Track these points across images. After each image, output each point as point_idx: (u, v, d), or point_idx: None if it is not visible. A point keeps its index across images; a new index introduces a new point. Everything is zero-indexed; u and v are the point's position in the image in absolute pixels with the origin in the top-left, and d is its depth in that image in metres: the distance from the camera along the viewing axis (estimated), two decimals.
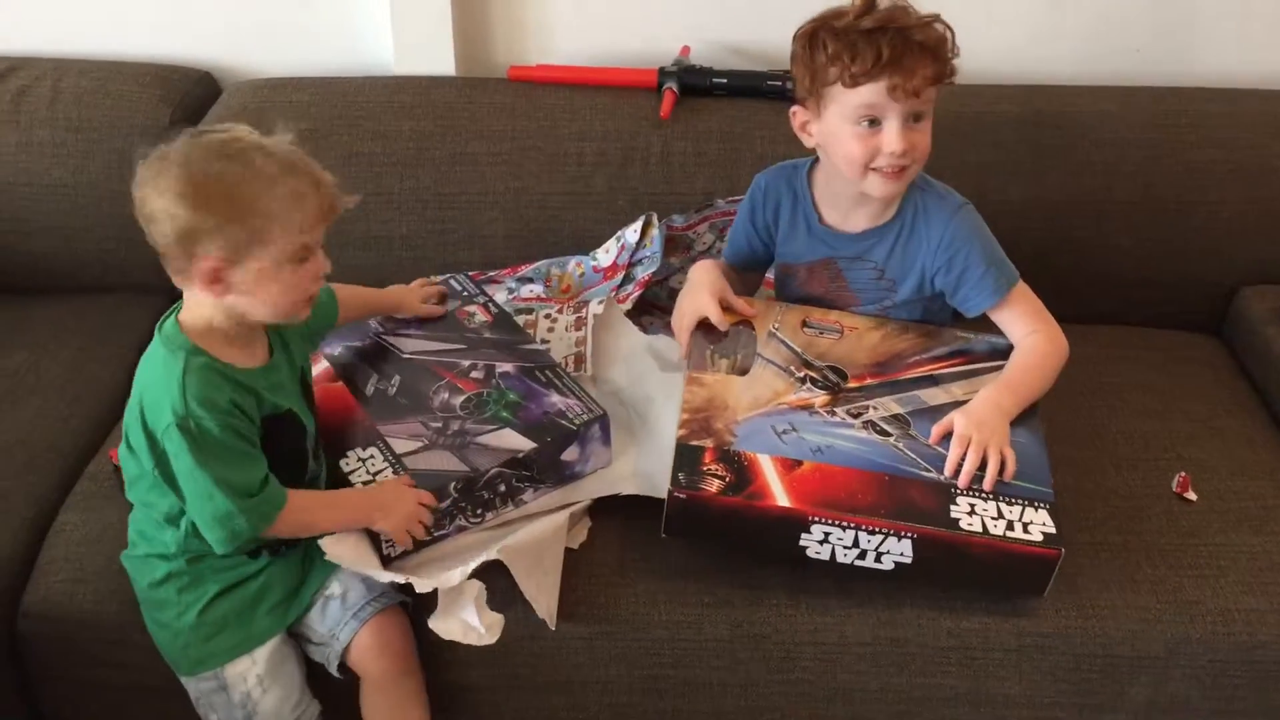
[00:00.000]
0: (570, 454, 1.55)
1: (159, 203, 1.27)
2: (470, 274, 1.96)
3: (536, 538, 1.44)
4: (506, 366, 1.63)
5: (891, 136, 1.52)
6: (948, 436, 1.50)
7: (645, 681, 1.52)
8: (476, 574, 1.43)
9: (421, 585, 1.40)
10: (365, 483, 1.46)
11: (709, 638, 1.50)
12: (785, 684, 1.51)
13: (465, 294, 1.77)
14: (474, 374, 1.62)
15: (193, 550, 1.40)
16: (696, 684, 1.52)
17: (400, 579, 1.40)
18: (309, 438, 1.45)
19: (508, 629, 1.46)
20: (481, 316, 1.72)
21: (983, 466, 1.46)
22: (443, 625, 1.42)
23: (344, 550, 1.41)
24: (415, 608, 1.47)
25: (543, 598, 1.45)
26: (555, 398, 1.58)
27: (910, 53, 1.48)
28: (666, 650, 1.50)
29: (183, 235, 1.27)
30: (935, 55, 1.49)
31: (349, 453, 1.52)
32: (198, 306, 1.35)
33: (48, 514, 1.61)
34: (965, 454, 1.47)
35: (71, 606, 1.50)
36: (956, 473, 1.46)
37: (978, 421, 1.50)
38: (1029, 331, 1.60)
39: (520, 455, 1.50)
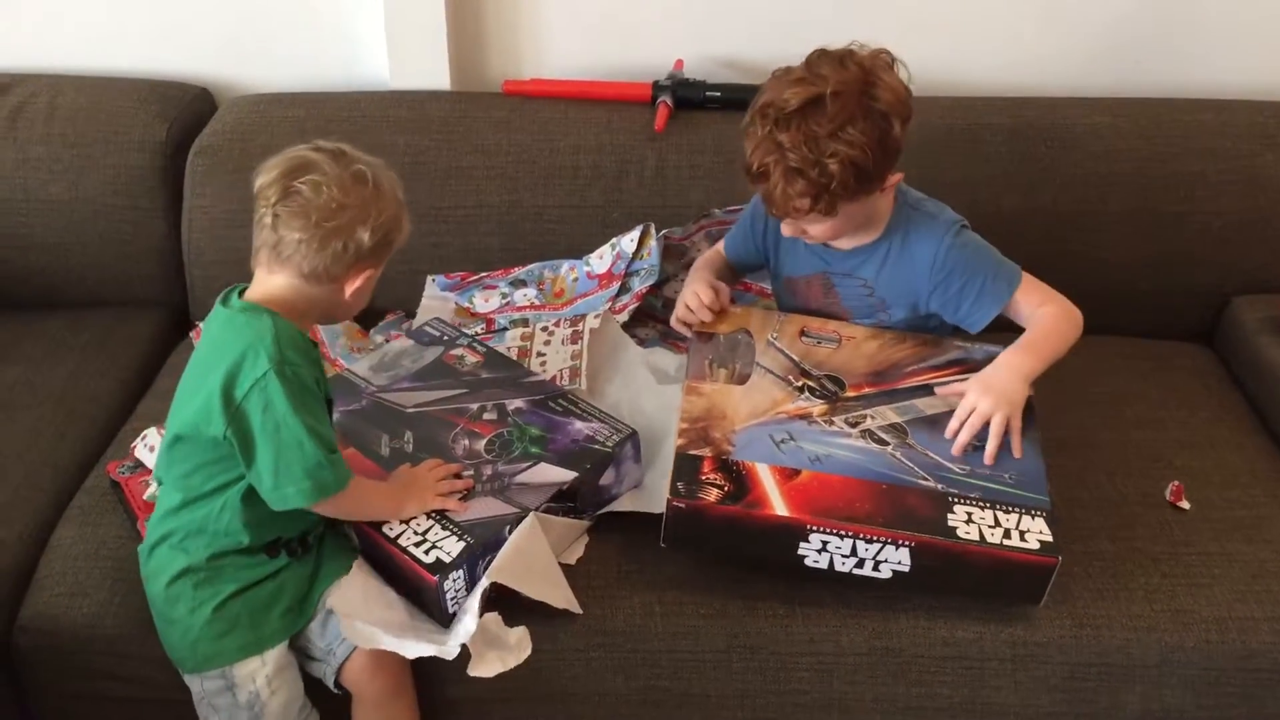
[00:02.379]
0: (607, 478, 1.56)
1: (359, 226, 1.35)
2: (461, 274, 1.97)
3: (515, 547, 1.44)
4: (518, 402, 1.63)
5: (784, 228, 1.58)
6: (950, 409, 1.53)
7: (642, 693, 1.52)
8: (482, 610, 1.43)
9: (447, 651, 1.39)
10: (417, 544, 1.44)
11: (706, 649, 1.50)
12: (782, 694, 1.52)
13: (446, 338, 1.75)
14: (486, 415, 1.61)
15: (217, 550, 1.40)
16: (693, 695, 1.52)
17: (426, 650, 1.39)
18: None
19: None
20: (471, 358, 1.71)
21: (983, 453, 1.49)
22: (482, 667, 1.43)
23: (355, 615, 1.41)
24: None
25: (553, 592, 1.46)
26: (579, 424, 1.58)
27: (784, 190, 1.48)
28: (664, 662, 1.51)
29: (368, 253, 1.37)
30: (815, 195, 1.47)
31: None
32: (295, 292, 1.37)
33: (44, 528, 1.62)
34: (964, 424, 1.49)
35: (68, 620, 1.50)
36: (952, 483, 1.47)
37: (987, 388, 1.51)
38: (1039, 304, 1.60)
39: (564, 487, 1.51)
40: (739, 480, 1.45)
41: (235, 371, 1.32)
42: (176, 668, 1.45)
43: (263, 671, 1.43)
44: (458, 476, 1.51)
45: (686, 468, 1.46)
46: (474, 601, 1.41)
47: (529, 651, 1.46)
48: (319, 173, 1.34)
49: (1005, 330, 1.63)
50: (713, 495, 1.43)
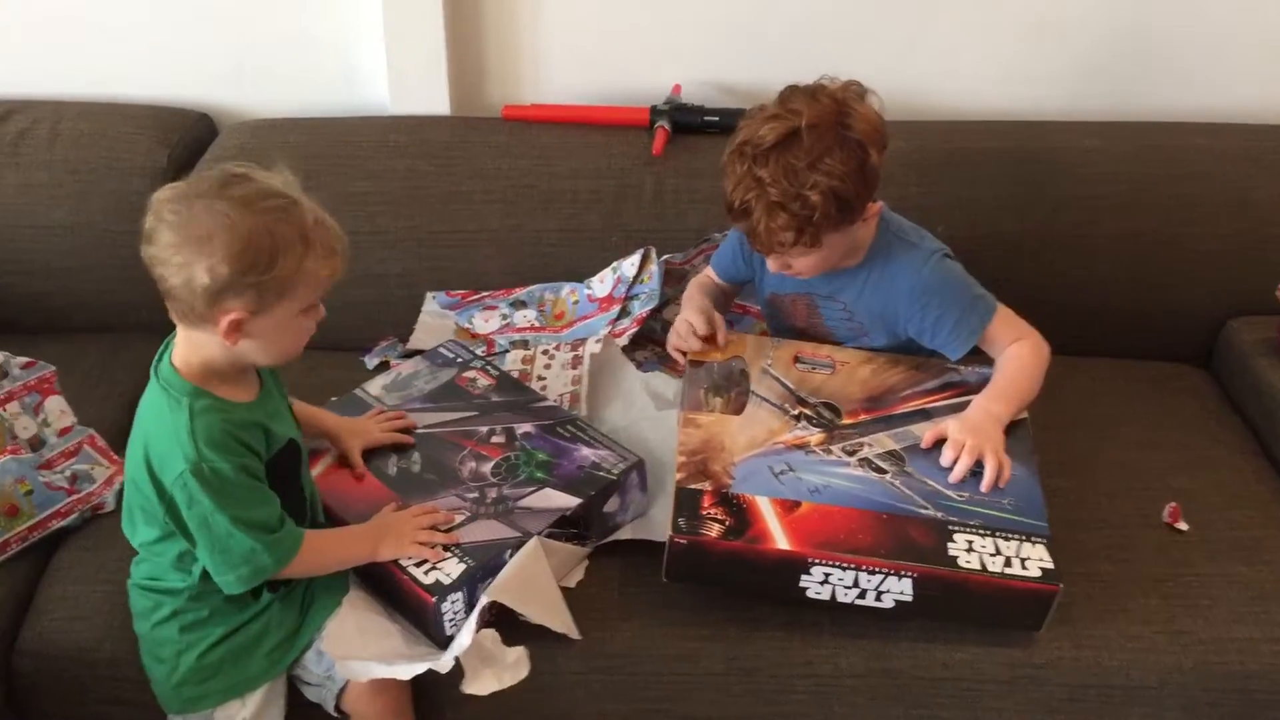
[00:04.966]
0: (612, 505, 1.56)
1: (200, 260, 1.24)
2: (461, 293, 1.98)
3: (517, 568, 1.44)
4: (527, 427, 1.63)
5: (770, 263, 1.59)
6: (940, 443, 1.53)
7: (641, 716, 1.52)
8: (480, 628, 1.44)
9: (441, 665, 1.40)
10: (418, 564, 1.44)
11: (704, 671, 1.50)
12: (780, 717, 1.51)
13: (460, 360, 1.76)
14: (495, 439, 1.62)
15: (200, 592, 1.40)
16: (693, 717, 1.52)
17: (420, 668, 1.39)
18: (304, 460, 1.47)
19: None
20: (484, 380, 1.72)
21: (981, 474, 1.50)
22: (477, 685, 1.43)
23: (350, 654, 1.41)
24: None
25: (552, 615, 1.46)
26: (586, 450, 1.59)
27: (767, 225, 1.49)
28: (662, 684, 1.51)
29: (218, 290, 1.25)
30: (798, 228, 1.48)
31: None
32: (198, 347, 1.34)
33: (46, 552, 1.62)
34: (959, 457, 1.50)
35: (68, 643, 1.51)
36: (951, 510, 1.47)
37: (972, 427, 1.53)
38: (1010, 342, 1.62)
39: (568, 513, 1.51)
40: (740, 514, 1.45)
41: (159, 461, 1.32)
42: (162, 707, 1.46)
43: (242, 713, 1.43)
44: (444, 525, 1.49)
45: (687, 502, 1.46)
46: (472, 618, 1.41)
47: (526, 671, 1.46)
48: (169, 211, 1.27)
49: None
50: (714, 531, 1.42)
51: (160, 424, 1.33)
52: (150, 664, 1.45)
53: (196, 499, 1.31)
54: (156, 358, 1.39)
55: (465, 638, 1.40)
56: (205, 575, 1.38)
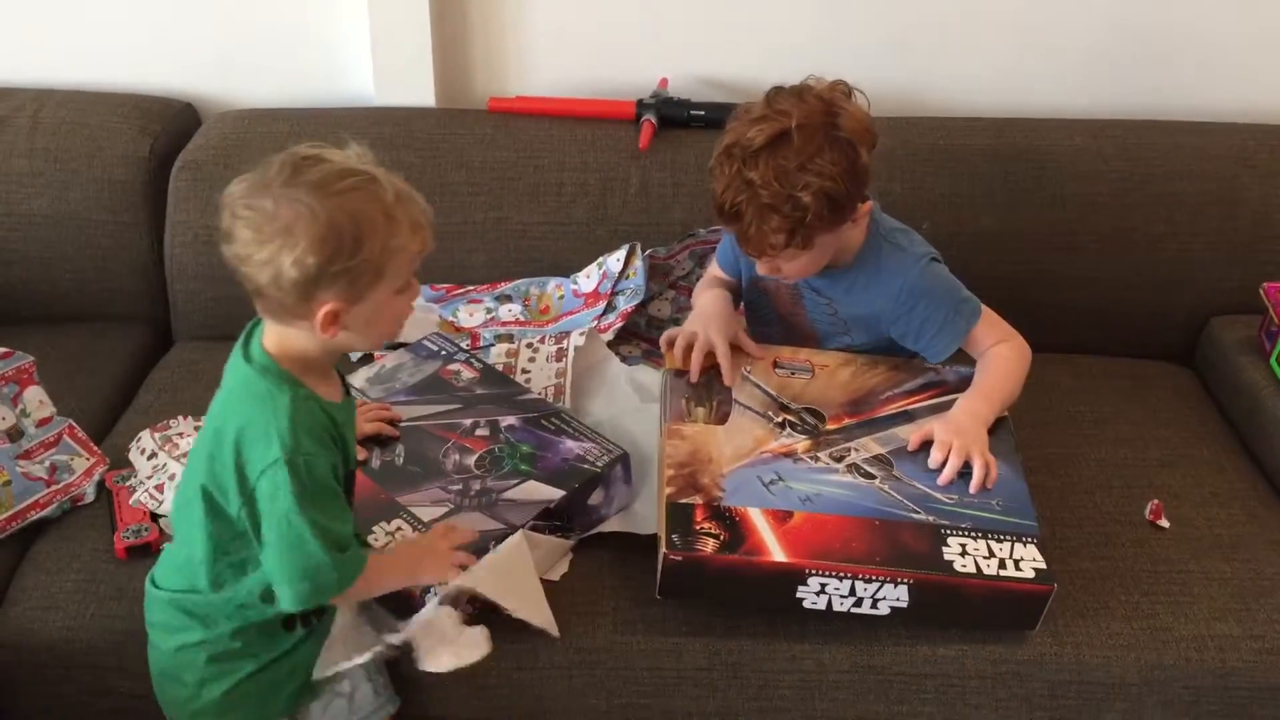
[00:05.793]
0: (596, 497, 1.55)
1: (285, 253, 1.17)
2: (446, 286, 1.97)
3: (499, 559, 1.43)
4: (510, 419, 1.63)
5: (759, 266, 1.58)
6: (927, 445, 1.52)
7: (624, 710, 1.52)
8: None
9: (398, 638, 1.37)
10: None
11: (688, 666, 1.50)
12: (764, 712, 1.51)
13: (444, 352, 1.75)
14: (479, 431, 1.61)
15: (241, 627, 1.33)
16: (675, 713, 1.52)
17: (379, 647, 1.37)
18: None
19: (486, 662, 1.43)
20: (468, 373, 1.71)
21: (967, 475, 1.50)
22: (435, 661, 1.40)
23: (335, 654, 1.40)
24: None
25: (534, 610, 1.45)
26: (570, 443, 1.58)
27: (758, 227, 1.47)
28: (646, 679, 1.50)
29: (308, 282, 1.19)
30: (790, 230, 1.47)
31: (374, 529, 1.47)
32: (291, 339, 1.26)
33: (22, 543, 1.60)
34: (947, 459, 1.50)
35: (43, 634, 1.49)
36: (943, 514, 1.47)
37: (956, 428, 1.52)
38: (993, 343, 1.62)
39: (551, 505, 1.50)
40: (734, 527, 1.43)
41: (249, 448, 1.23)
42: (168, 716, 1.42)
43: None
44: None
45: (679, 517, 1.43)
46: (436, 599, 1.39)
47: (488, 649, 1.40)
48: (244, 206, 1.20)
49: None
50: (710, 546, 1.41)
51: (255, 410, 1.24)
52: (164, 680, 1.39)
53: (280, 493, 1.22)
54: (243, 341, 1.29)
55: (428, 612, 1.37)
56: (259, 591, 1.31)
